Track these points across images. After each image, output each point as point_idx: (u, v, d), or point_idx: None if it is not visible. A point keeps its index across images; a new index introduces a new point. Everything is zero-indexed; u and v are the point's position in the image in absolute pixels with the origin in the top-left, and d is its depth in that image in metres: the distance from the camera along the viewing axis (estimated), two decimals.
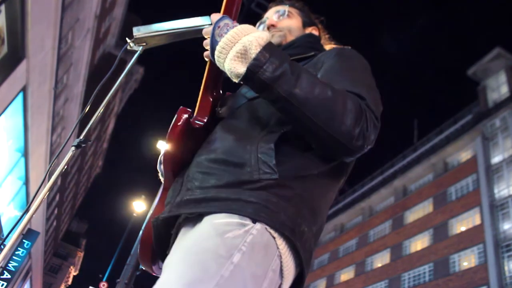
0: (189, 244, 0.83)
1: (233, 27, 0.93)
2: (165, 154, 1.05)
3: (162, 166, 1.16)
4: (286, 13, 1.33)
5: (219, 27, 0.94)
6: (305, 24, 1.36)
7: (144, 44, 1.20)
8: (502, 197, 21.37)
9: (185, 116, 1.02)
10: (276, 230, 0.84)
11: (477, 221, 22.05)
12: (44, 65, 10.51)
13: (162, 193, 1.10)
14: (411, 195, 28.71)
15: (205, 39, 1.01)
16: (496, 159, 23.18)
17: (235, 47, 0.90)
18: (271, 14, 1.35)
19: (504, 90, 25.69)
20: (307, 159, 0.94)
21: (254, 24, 1.24)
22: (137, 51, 1.20)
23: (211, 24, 1.14)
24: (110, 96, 1.12)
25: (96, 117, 1.09)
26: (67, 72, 16.02)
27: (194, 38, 1.17)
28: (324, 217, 1.00)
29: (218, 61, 0.94)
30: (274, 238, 0.84)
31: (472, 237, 21.53)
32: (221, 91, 1.16)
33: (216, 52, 0.93)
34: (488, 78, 27.34)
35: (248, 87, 1.09)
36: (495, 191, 21.98)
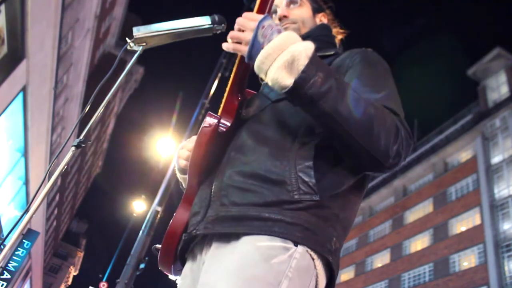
0: (234, 268, 0.82)
1: (277, 30, 0.89)
2: (192, 160, 1.01)
3: (180, 173, 1.17)
4: (298, 1, 1.28)
5: (263, 27, 0.88)
6: (315, 11, 1.32)
7: (144, 44, 1.20)
8: (502, 197, 21.37)
9: (215, 121, 0.97)
10: (316, 252, 0.86)
11: (477, 221, 22.05)
12: (44, 65, 10.51)
13: (184, 199, 1.08)
14: (411, 195, 28.70)
15: (215, 33, 1.00)
16: (496, 159, 23.18)
17: (282, 55, 0.85)
18: (280, 1, 1.28)
19: (504, 90, 25.69)
20: (338, 175, 0.94)
21: None
22: (137, 51, 1.20)
23: (211, 24, 1.14)
24: (110, 96, 1.12)
25: (96, 117, 1.08)
26: (67, 72, 16.04)
27: (194, 38, 1.17)
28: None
29: (259, 67, 0.88)
30: (313, 259, 0.86)
31: (472, 237, 21.53)
32: (245, 92, 1.13)
33: (260, 57, 0.86)
34: (488, 78, 27.34)
35: (272, 89, 1.01)
36: (495, 191, 21.99)
